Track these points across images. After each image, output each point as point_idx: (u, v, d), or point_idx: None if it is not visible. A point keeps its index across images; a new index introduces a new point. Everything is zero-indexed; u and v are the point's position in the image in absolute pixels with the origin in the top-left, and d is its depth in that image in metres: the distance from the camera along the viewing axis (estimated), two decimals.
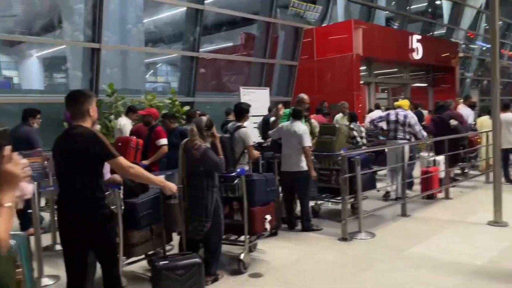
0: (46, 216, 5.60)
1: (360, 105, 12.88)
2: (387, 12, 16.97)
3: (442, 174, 6.65)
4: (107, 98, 8.62)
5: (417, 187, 7.03)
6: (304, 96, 5.83)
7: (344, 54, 12.58)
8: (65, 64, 16.18)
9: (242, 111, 4.81)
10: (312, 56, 13.30)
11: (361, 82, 13.39)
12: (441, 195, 6.83)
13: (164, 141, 5.66)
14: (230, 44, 17.02)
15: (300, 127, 5.12)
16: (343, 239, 4.91)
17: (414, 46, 14.67)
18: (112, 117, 8.53)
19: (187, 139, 3.90)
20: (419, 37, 14.97)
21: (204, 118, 3.91)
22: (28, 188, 2.67)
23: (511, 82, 23.20)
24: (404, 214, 5.86)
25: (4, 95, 9.61)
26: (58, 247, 4.80)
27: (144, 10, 13.43)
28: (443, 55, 16.66)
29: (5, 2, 13.26)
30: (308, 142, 5.07)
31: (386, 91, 16.45)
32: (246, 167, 4.55)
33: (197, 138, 3.77)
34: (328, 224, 5.58)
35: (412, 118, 6.59)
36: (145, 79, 14.39)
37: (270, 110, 9.37)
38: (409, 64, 15.88)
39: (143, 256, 3.78)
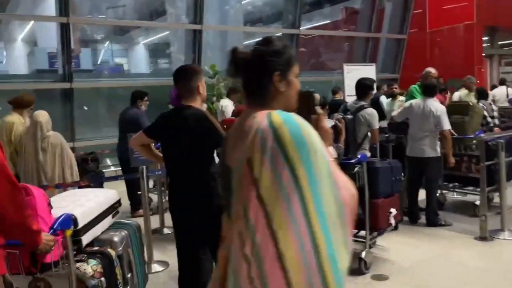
0: (154, 198, 5.63)
1: (477, 82, 11.36)
2: None
3: None
4: (209, 80, 8.55)
5: None
6: (432, 69, 5.06)
7: (463, 23, 11.11)
8: (168, 48, 16.81)
9: (365, 87, 4.17)
10: (424, 27, 12.00)
11: (483, 54, 11.79)
12: None
13: None
14: (328, 21, 16.15)
15: (438, 106, 4.39)
16: (482, 238, 4.12)
17: None
18: (214, 99, 8.45)
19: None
20: None
21: (317, 96, 3.42)
22: (331, 150, 2.56)
23: None
24: None
25: (116, 79, 10.20)
26: (167, 230, 4.76)
27: None
28: None
29: None
30: (447, 124, 4.34)
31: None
32: (368, 153, 3.97)
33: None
34: (457, 218, 4.80)
35: None
36: None
37: (379, 88, 8.56)
38: None
39: None
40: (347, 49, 13.07)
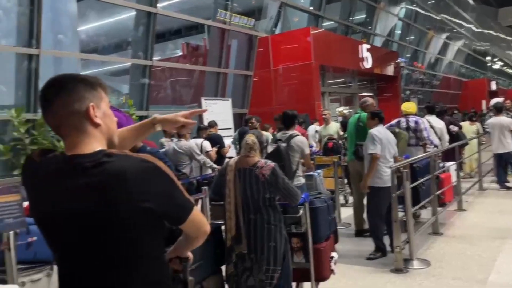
0: None
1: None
2: (330, 22, 16.83)
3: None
4: None
5: None
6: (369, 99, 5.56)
7: (303, 62, 12.02)
8: None
9: (293, 118, 4.37)
10: (268, 65, 12.59)
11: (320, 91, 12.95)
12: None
13: None
14: (177, 55, 15.75)
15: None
16: (397, 270, 4.07)
17: (364, 55, 14.63)
18: None
19: (237, 157, 2.84)
20: (368, 46, 14.98)
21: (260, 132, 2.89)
22: None
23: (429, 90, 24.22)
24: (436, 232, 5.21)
25: None
26: None
27: (80, 17, 11.83)
28: (386, 64, 16.91)
29: None
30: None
31: (337, 101, 16.22)
32: (302, 180, 4.13)
33: (258, 154, 2.74)
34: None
35: (423, 123, 6.05)
36: None
37: (247, 121, 8.42)
38: (357, 73, 15.85)
39: None
40: (197, 83, 12.78)
